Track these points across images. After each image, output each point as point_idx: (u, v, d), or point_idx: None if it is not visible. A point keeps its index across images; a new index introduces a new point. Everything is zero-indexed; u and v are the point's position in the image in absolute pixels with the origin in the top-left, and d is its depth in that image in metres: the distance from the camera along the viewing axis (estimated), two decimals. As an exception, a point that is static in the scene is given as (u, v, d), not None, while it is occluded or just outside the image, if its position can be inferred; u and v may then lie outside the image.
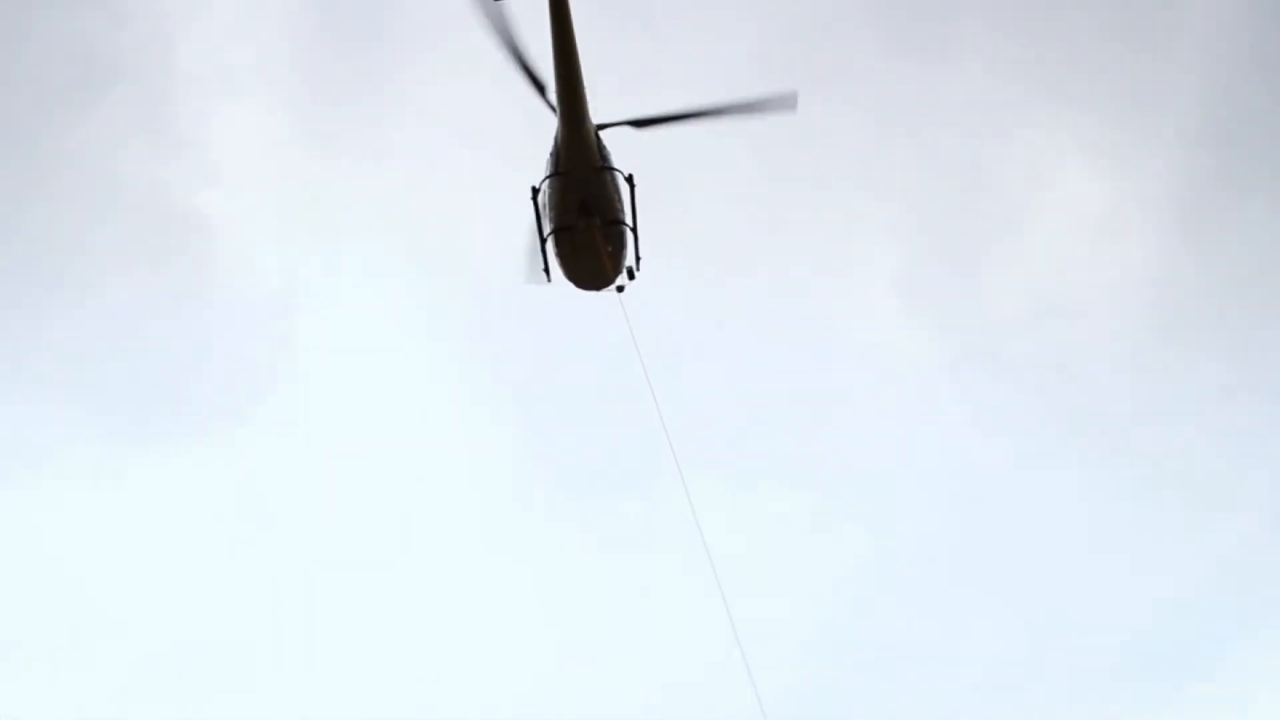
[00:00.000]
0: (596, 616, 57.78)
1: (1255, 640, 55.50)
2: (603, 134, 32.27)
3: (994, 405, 58.69)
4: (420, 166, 54.84)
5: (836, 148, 54.58)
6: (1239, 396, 57.27)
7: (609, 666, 56.51)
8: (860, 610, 57.54)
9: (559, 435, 58.85)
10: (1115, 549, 57.81)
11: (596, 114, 31.91)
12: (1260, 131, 56.14)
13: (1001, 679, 56.38)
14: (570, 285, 34.07)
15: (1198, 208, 58.03)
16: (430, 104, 54.72)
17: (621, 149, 33.06)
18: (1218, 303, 57.48)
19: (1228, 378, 57.34)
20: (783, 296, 57.73)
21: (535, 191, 32.46)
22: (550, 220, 32.52)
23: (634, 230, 32.87)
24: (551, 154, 32.08)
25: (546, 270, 33.42)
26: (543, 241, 32.88)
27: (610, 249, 32.49)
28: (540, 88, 31.43)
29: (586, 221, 31.92)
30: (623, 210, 32.47)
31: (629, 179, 32.45)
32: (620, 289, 33.87)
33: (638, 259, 33.43)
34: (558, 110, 31.09)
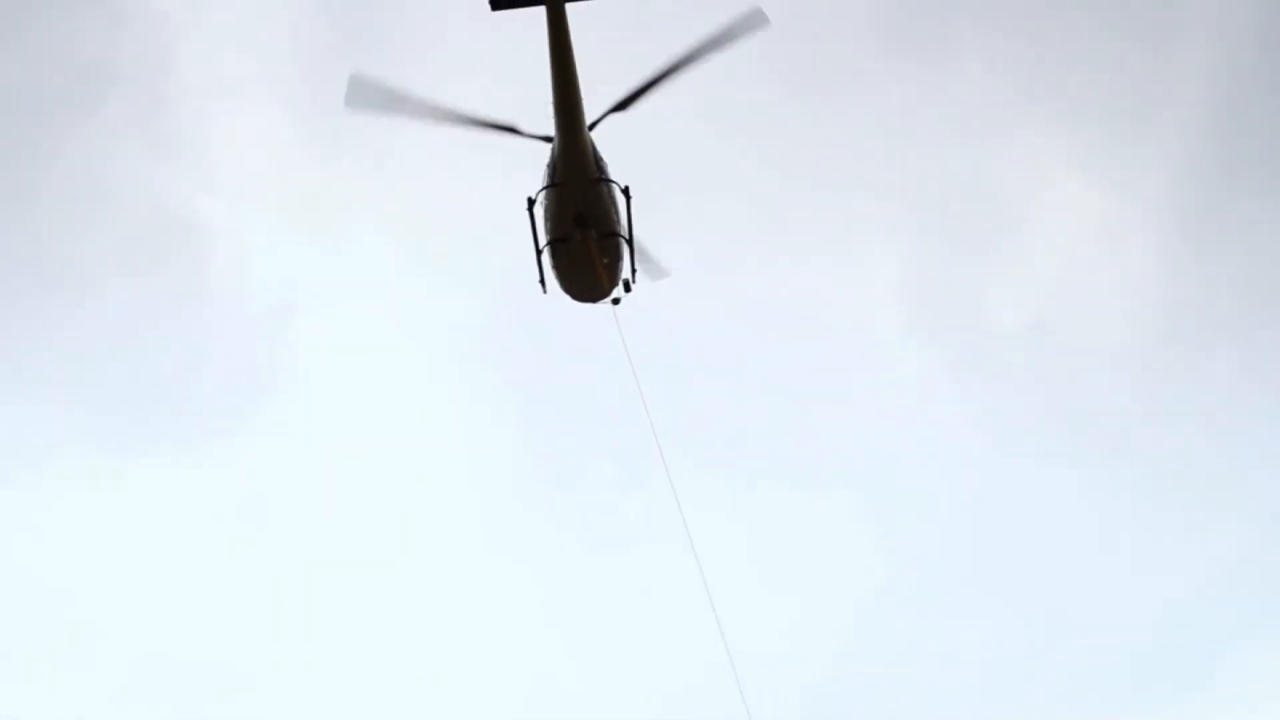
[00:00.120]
0: (596, 617, 57.93)
1: (1255, 645, 55.55)
2: (599, 134, 32.19)
3: (994, 411, 58.74)
4: (420, 170, 54.69)
5: (836, 154, 54.56)
6: (1240, 402, 57.29)
7: (607, 667, 56.67)
8: (859, 613, 57.70)
9: (558, 436, 58.95)
10: (1115, 553, 57.93)
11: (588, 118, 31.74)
12: (1261, 136, 56.12)
13: (1000, 682, 56.47)
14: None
15: (1198, 214, 58.07)
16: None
17: (621, 156, 33.08)
18: (1218, 308, 57.50)
19: (1229, 383, 57.38)
20: (782, 301, 57.80)
21: (531, 202, 32.33)
22: (546, 231, 32.39)
23: (630, 242, 32.83)
24: (548, 165, 31.99)
25: (542, 282, 33.36)
26: (539, 253, 32.77)
27: (606, 261, 32.40)
28: (512, 129, 31.37)
29: (583, 233, 31.81)
30: (619, 222, 32.40)
31: (625, 191, 32.34)
32: (616, 301, 33.79)
33: (634, 271, 33.41)
34: (554, 122, 31.01)
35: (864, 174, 56.86)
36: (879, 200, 58.19)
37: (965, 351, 59.84)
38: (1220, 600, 56.69)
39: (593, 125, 31.75)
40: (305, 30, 55.65)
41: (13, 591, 54.68)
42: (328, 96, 55.56)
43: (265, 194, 57.69)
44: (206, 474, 58.15)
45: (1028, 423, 59.08)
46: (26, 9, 54.10)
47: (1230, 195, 57.24)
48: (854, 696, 55.70)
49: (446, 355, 58.64)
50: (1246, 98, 56.11)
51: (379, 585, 57.51)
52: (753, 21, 30.56)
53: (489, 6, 29.93)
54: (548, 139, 31.47)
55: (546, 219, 32.27)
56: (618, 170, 32.34)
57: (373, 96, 30.72)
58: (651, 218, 33.91)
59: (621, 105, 31.68)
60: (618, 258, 32.83)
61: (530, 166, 32.65)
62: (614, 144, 32.72)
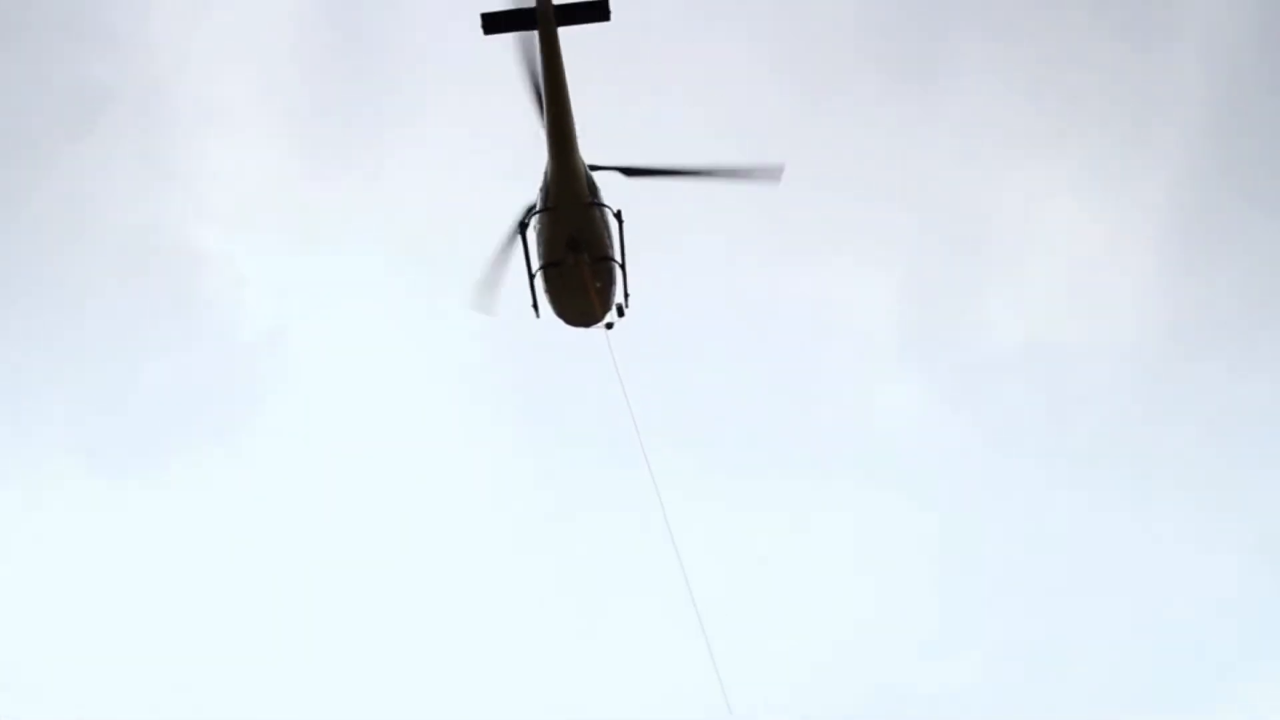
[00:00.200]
0: (596, 618, 58.03)
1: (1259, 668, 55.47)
2: (590, 155, 32.12)
3: (990, 437, 58.70)
4: (415, 193, 54.83)
5: (833, 181, 54.54)
6: (1240, 417, 57.31)
7: (606, 667, 56.53)
8: (850, 639, 57.38)
9: (557, 442, 58.80)
10: (1110, 577, 57.78)
11: (591, 152, 31.92)
12: (1258, 154, 56.20)
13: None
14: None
15: (1196, 230, 58.11)
16: (426, 130, 54.80)
17: (614, 182, 32.97)
18: (1217, 325, 57.48)
19: (1228, 399, 57.39)
20: (778, 328, 57.78)
21: (523, 226, 32.28)
22: (539, 255, 32.33)
23: (623, 267, 32.75)
24: (541, 189, 31.91)
25: (535, 306, 33.29)
26: (531, 277, 32.72)
27: (599, 285, 32.32)
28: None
29: (575, 257, 31.74)
30: (612, 246, 32.32)
31: (618, 215, 32.30)
32: (610, 326, 33.70)
33: (626, 296, 33.28)
34: (547, 146, 30.89)
35: (860, 204, 57.00)
36: (877, 216, 58.33)
37: (960, 383, 59.90)
38: (1218, 625, 56.65)
39: (595, 168, 31.96)
40: (299, 55, 55.79)
41: (15, 593, 55.30)
42: (323, 121, 56.60)
43: (258, 215, 57.75)
44: (200, 494, 58.34)
45: (1024, 439, 59.17)
46: (18, 37, 54.15)
47: (1229, 212, 57.30)
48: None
49: (440, 375, 58.67)
50: (1246, 115, 56.25)
51: (374, 590, 57.85)
52: (770, 173, 31.96)
53: (481, 30, 29.99)
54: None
55: (539, 243, 32.20)
56: (610, 194, 32.32)
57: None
58: (652, 251, 33.92)
59: (628, 171, 32.12)
60: (610, 282, 32.75)
61: (529, 176, 32.72)
62: (605, 177, 32.70)
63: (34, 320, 56.02)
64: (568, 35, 29.42)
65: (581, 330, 34.16)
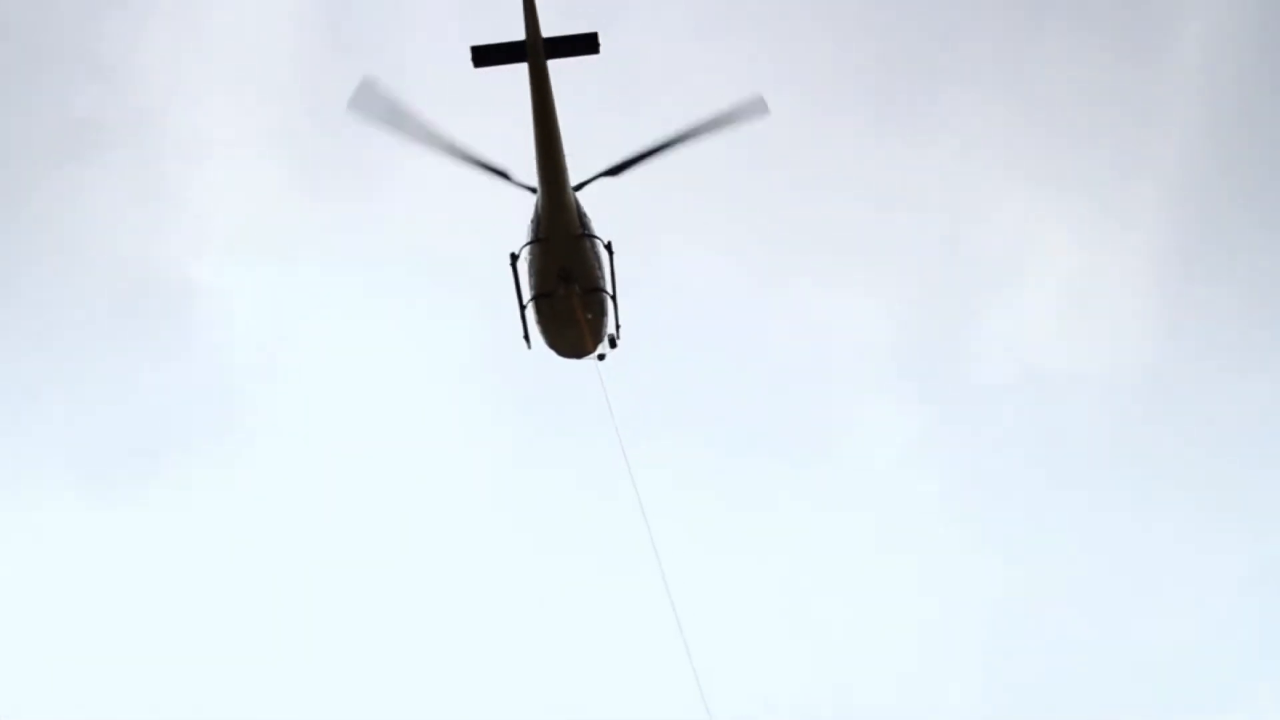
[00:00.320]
0: (586, 622, 57.86)
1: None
2: (584, 191, 32.13)
3: (976, 472, 58.84)
4: (408, 217, 55.05)
5: (822, 216, 54.83)
6: (1231, 453, 57.39)
7: (599, 670, 56.45)
8: (842, 678, 57.28)
9: (551, 449, 58.76)
10: (1098, 617, 57.76)
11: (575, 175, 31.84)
12: (1242, 196, 56.54)
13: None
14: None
15: (1182, 269, 58.43)
16: (422, 159, 54.88)
17: (606, 211, 33.08)
18: (1205, 363, 57.65)
19: (1219, 435, 57.51)
20: (772, 352, 57.92)
21: (514, 258, 32.29)
22: (530, 287, 32.35)
23: (614, 298, 32.79)
24: (531, 220, 31.88)
25: (527, 337, 33.29)
26: (522, 308, 32.71)
27: (590, 316, 32.30)
28: (503, 174, 31.43)
29: (566, 288, 31.75)
30: (603, 278, 32.33)
31: (609, 246, 32.35)
32: (601, 357, 33.70)
33: (618, 327, 33.28)
34: (537, 177, 30.97)
35: (850, 238, 57.29)
36: (865, 266, 58.64)
37: (948, 418, 60.01)
38: (1218, 654, 56.59)
39: (581, 185, 31.85)
40: (295, 87, 56.09)
41: (15, 596, 55.69)
42: (313, 142, 56.83)
43: (251, 243, 58.00)
44: (199, 496, 58.95)
45: (1010, 486, 59.25)
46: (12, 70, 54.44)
47: (1216, 248, 57.65)
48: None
49: (432, 383, 58.79)
50: (1227, 161, 56.67)
51: (373, 590, 58.08)
52: (753, 108, 31.09)
53: (471, 64, 30.12)
54: (533, 190, 31.52)
55: (530, 274, 32.21)
56: (601, 225, 32.38)
57: (378, 105, 30.67)
58: (642, 280, 33.95)
59: (612, 171, 31.89)
60: (602, 313, 32.72)
61: (520, 209, 32.80)
62: (596, 209, 32.78)
63: (31, 338, 56.41)
64: (558, 67, 29.72)
65: (573, 361, 34.20)
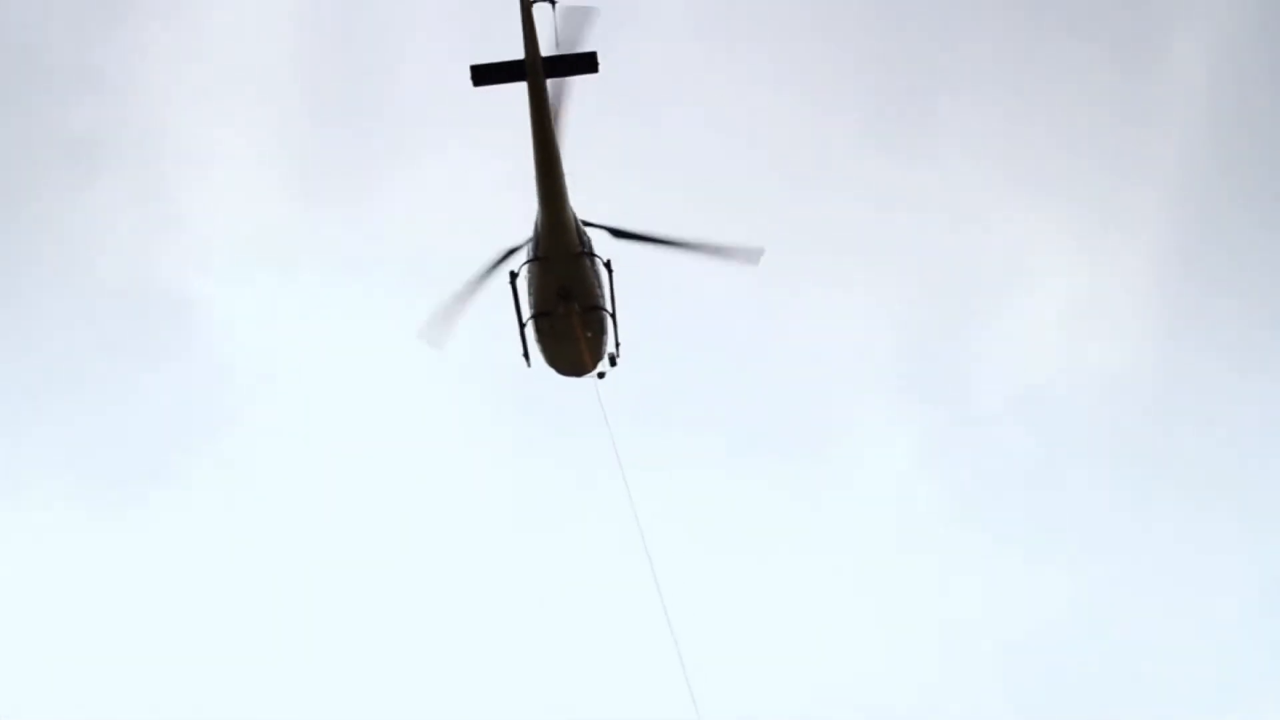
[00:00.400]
0: (582, 622, 57.91)
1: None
2: (580, 205, 32.09)
3: (977, 475, 58.84)
4: (409, 230, 55.00)
5: (823, 218, 54.70)
6: (1229, 478, 57.43)
7: (603, 668, 56.52)
8: (841, 679, 57.31)
9: (546, 453, 58.79)
10: (1099, 617, 57.79)
11: (585, 206, 31.90)
12: (1242, 199, 56.45)
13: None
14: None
15: (1181, 288, 58.45)
16: (422, 174, 55.11)
17: (606, 215, 32.96)
18: (1205, 369, 57.60)
19: (1217, 459, 57.56)
20: (767, 365, 57.90)
21: (513, 276, 32.24)
22: (530, 305, 32.34)
23: (614, 316, 32.73)
24: (531, 239, 31.82)
25: (526, 356, 33.26)
26: (521, 327, 32.68)
27: (589, 334, 32.26)
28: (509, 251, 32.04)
29: (566, 307, 31.70)
30: (603, 296, 32.27)
31: (608, 265, 32.32)
32: (601, 375, 33.65)
33: (617, 345, 33.21)
34: (537, 196, 30.85)
35: (847, 257, 57.29)
36: (868, 258, 58.53)
37: (952, 408, 59.96)
38: (1220, 655, 56.66)
39: (587, 224, 31.94)
40: (295, 102, 56.11)
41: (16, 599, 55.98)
42: (314, 156, 56.81)
43: (250, 249, 57.96)
44: (200, 496, 59.08)
45: (1006, 506, 59.31)
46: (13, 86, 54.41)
47: (1216, 251, 57.58)
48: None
49: (429, 390, 58.80)
50: (1230, 158, 56.55)
51: (373, 590, 58.24)
52: (749, 255, 32.60)
53: (470, 83, 30.00)
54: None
55: (530, 293, 32.19)
56: (600, 245, 32.34)
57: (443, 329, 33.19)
58: (642, 299, 33.96)
59: (616, 233, 32.21)
60: (601, 332, 32.66)
61: (520, 212, 32.77)
62: (600, 204, 32.87)
63: (33, 346, 56.47)
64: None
65: (573, 380, 34.16)
